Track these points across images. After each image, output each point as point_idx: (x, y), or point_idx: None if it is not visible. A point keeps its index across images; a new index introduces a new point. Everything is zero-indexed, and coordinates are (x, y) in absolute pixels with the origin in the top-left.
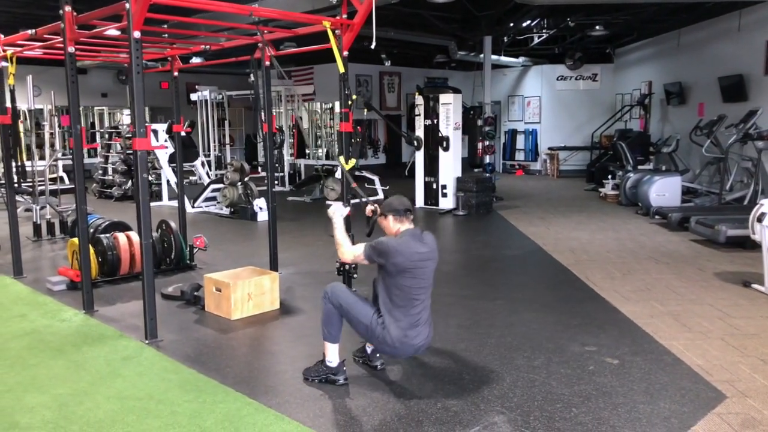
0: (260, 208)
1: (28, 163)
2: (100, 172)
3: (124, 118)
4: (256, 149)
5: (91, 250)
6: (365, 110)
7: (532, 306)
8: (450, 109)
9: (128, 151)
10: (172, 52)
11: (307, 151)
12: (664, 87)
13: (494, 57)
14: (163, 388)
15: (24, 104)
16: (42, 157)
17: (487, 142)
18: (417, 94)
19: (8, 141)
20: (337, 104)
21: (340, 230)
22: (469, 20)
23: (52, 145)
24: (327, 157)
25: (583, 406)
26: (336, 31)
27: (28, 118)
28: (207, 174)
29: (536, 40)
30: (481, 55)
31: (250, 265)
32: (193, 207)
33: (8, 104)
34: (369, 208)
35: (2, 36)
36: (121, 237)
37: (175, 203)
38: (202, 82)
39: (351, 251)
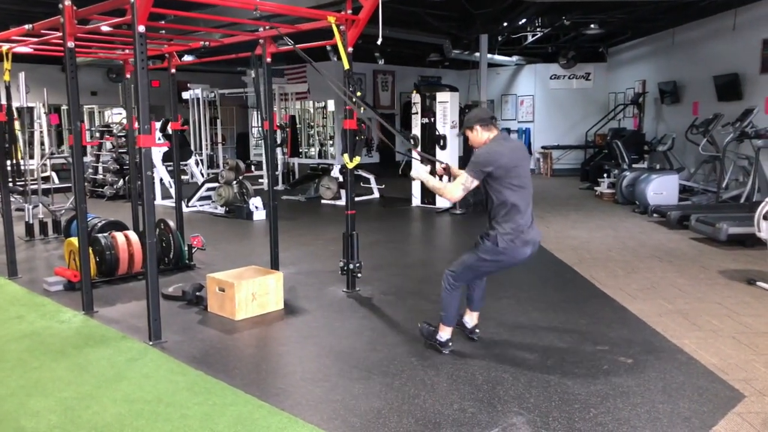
0: (256, 207)
1: (21, 162)
2: (91, 171)
3: (115, 116)
4: (248, 148)
5: (89, 250)
6: (361, 108)
7: (539, 305)
8: (447, 108)
9: (121, 150)
10: (170, 49)
11: (301, 150)
12: (659, 86)
13: (488, 56)
14: (171, 391)
15: (16, 102)
16: (32, 156)
17: None
18: (414, 92)
19: (3, 139)
20: (330, 103)
21: (432, 180)
22: (465, 18)
23: (43, 144)
24: (319, 156)
25: (601, 406)
26: (341, 27)
27: (21, 115)
28: (201, 173)
29: (530, 39)
30: (476, 54)
31: (249, 265)
32: (187, 206)
33: (3, 101)
34: (441, 167)
35: None
36: (119, 236)
37: (168, 202)
38: (194, 81)
39: (455, 186)
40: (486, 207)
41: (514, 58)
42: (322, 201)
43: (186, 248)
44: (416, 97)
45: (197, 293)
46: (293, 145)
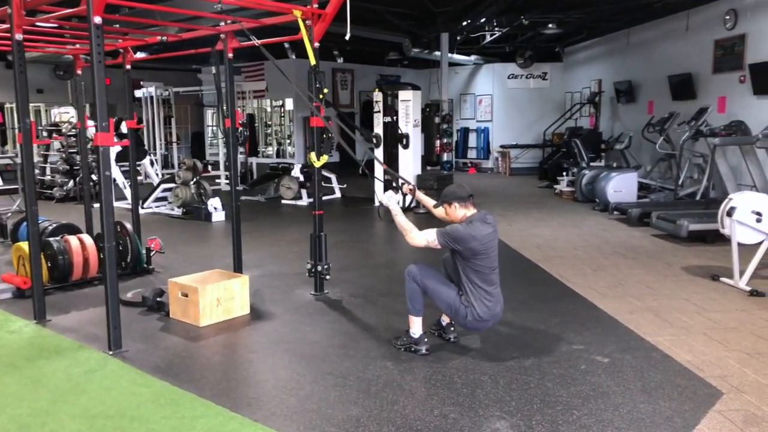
0: (215, 208)
1: None
2: (39, 171)
3: (63, 115)
4: (204, 147)
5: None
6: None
7: (511, 304)
8: (409, 106)
9: (71, 150)
10: (125, 44)
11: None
12: (614, 85)
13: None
14: (135, 404)
15: None
16: None
17: (445, 140)
18: (376, 90)
19: None
20: (288, 101)
21: (401, 216)
22: (426, 17)
23: None
24: (277, 156)
25: (583, 407)
26: (307, 22)
27: None
28: (156, 173)
29: (488, 39)
30: (436, 53)
31: (210, 268)
32: (143, 207)
33: None
34: (407, 187)
35: None
36: (73, 240)
37: (122, 204)
38: (146, 79)
39: (423, 237)
40: (455, 270)
41: (473, 58)
42: (283, 201)
43: (144, 251)
44: (378, 96)
45: (158, 299)
46: (251, 144)
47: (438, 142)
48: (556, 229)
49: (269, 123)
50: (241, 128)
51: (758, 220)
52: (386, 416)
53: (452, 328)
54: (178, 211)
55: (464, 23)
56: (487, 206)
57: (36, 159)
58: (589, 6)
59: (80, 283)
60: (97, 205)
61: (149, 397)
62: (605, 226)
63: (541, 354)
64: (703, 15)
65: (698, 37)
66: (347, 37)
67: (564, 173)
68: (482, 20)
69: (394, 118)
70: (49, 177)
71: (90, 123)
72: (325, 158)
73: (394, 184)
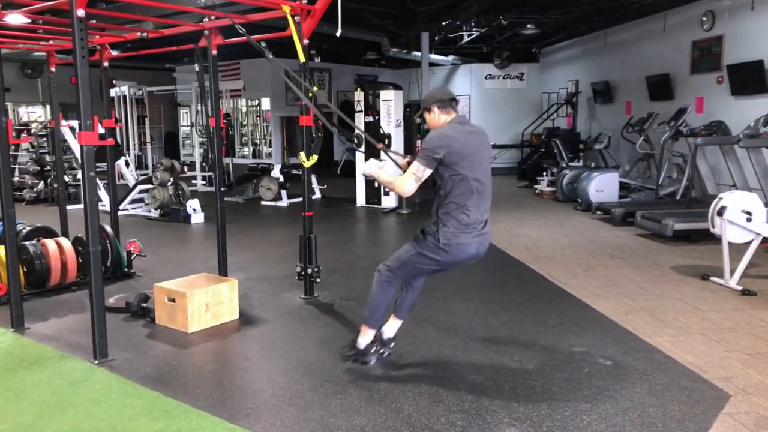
0: (194, 210)
1: None
2: None
3: (31, 114)
4: (178, 148)
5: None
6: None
7: (506, 305)
8: (391, 106)
9: (42, 150)
10: (102, 40)
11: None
12: (591, 86)
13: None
14: (126, 416)
15: None
16: None
17: None
18: (358, 89)
19: None
20: (264, 101)
21: (385, 175)
22: (405, 16)
23: None
24: (253, 156)
25: (592, 412)
26: (296, 18)
27: None
28: (132, 174)
29: (465, 39)
30: (414, 53)
31: (193, 271)
32: (118, 209)
33: None
34: (404, 161)
35: None
36: (50, 244)
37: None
38: (118, 77)
39: (406, 178)
40: (433, 200)
41: (450, 58)
42: (262, 202)
43: (125, 255)
44: (359, 95)
45: (143, 304)
46: (228, 144)
47: (419, 143)
48: (540, 229)
49: (244, 123)
50: (225, 126)
51: (748, 220)
52: (392, 425)
53: (392, 345)
54: (155, 213)
55: (444, 23)
56: None
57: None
58: (568, 6)
59: (58, 288)
60: (71, 207)
61: (141, 408)
62: (589, 226)
63: (542, 356)
64: (680, 16)
65: (675, 38)
66: (338, 34)
67: (544, 173)
68: (462, 20)
69: (376, 117)
70: (17, 178)
71: (64, 122)
72: (315, 158)
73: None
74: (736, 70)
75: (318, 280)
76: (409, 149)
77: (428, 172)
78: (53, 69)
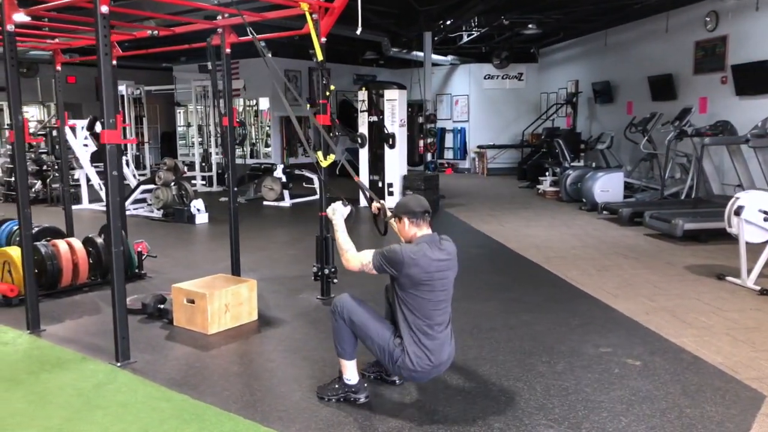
0: (198, 210)
1: None
2: (4, 173)
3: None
4: (175, 147)
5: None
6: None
7: (525, 306)
8: (395, 106)
9: (41, 150)
10: (111, 38)
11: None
12: (592, 86)
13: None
14: (157, 420)
15: None
16: None
17: (429, 140)
18: (362, 89)
19: None
20: (263, 101)
21: (342, 233)
22: (407, 15)
23: None
24: (251, 156)
25: (629, 413)
26: (314, 15)
27: None
28: (133, 174)
29: (465, 39)
30: (414, 53)
31: (203, 272)
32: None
33: None
34: (375, 205)
35: None
36: (62, 244)
37: (97, 206)
38: (116, 77)
39: (357, 258)
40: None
41: (449, 58)
42: (264, 203)
43: (135, 256)
44: (363, 94)
45: (159, 305)
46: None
47: (421, 142)
48: (548, 229)
49: (242, 122)
50: (239, 126)
51: (766, 219)
52: (428, 428)
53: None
54: (158, 213)
55: (447, 22)
56: (473, 206)
57: (2, 160)
58: (570, 6)
59: (69, 289)
60: (75, 207)
61: (171, 412)
62: (596, 226)
63: (570, 357)
64: (683, 16)
65: (678, 38)
66: (358, 32)
67: (546, 173)
68: (464, 20)
69: (380, 117)
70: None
71: (70, 122)
72: (332, 158)
73: (367, 196)
74: (742, 70)
75: (335, 280)
76: (412, 149)
77: (374, 272)
78: (59, 68)
